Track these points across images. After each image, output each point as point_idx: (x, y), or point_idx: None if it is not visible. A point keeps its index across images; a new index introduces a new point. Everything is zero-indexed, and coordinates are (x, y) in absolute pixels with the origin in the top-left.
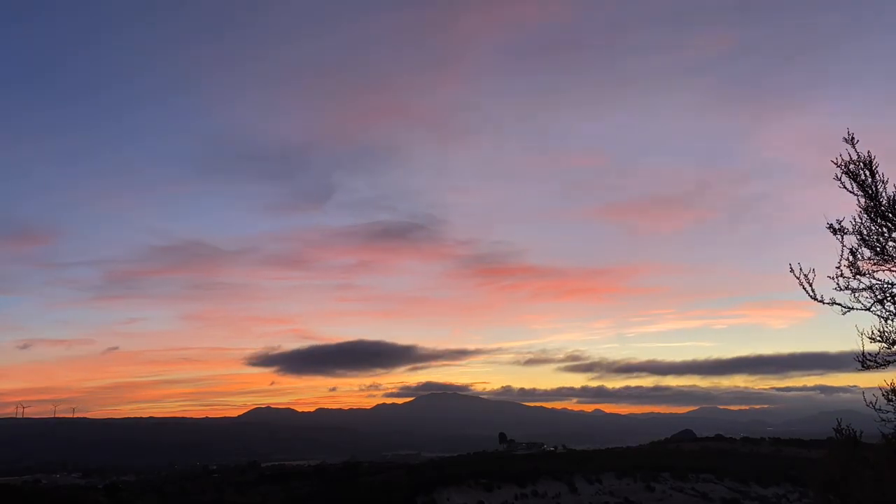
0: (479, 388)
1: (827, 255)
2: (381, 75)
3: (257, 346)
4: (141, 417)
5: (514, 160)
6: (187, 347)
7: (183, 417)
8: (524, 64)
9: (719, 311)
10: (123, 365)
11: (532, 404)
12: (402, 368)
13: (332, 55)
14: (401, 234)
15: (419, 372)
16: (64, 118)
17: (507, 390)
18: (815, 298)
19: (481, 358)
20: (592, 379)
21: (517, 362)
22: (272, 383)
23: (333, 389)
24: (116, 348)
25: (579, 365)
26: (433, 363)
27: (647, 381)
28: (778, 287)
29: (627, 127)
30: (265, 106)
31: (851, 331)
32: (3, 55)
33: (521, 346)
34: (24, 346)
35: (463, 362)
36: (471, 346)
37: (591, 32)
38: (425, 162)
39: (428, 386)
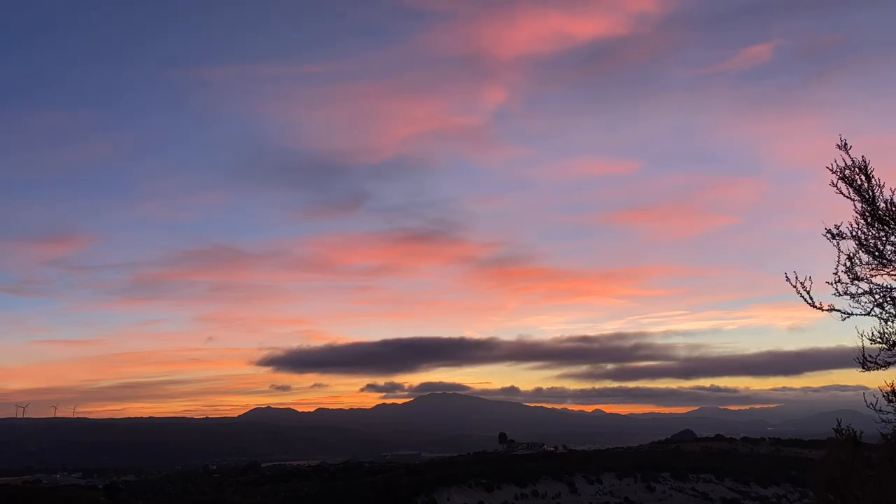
0: (480, 388)
1: (830, 260)
2: (417, 88)
3: (268, 346)
4: (141, 418)
5: (542, 168)
6: (198, 348)
7: (183, 418)
8: (559, 75)
9: (730, 312)
10: (133, 366)
11: (533, 405)
12: (406, 369)
13: (372, 68)
14: (423, 239)
15: (422, 372)
16: (102, 125)
17: (507, 390)
18: (814, 306)
19: (487, 358)
20: (598, 379)
21: (523, 362)
22: (270, 385)
23: (323, 387)
24: (128, 350)
25: (583, 364)
26: (438, 363)
27: (656, 383)
28: (788, 289)
29: (656, 137)
30: (307, 119)
31: (852, 332)
32: (39, 62)
33: (528, 346)
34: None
35: (468, 362)
36: (477, 346)
37: (623, 47)
38: (456, 171)
39: (429, 386)
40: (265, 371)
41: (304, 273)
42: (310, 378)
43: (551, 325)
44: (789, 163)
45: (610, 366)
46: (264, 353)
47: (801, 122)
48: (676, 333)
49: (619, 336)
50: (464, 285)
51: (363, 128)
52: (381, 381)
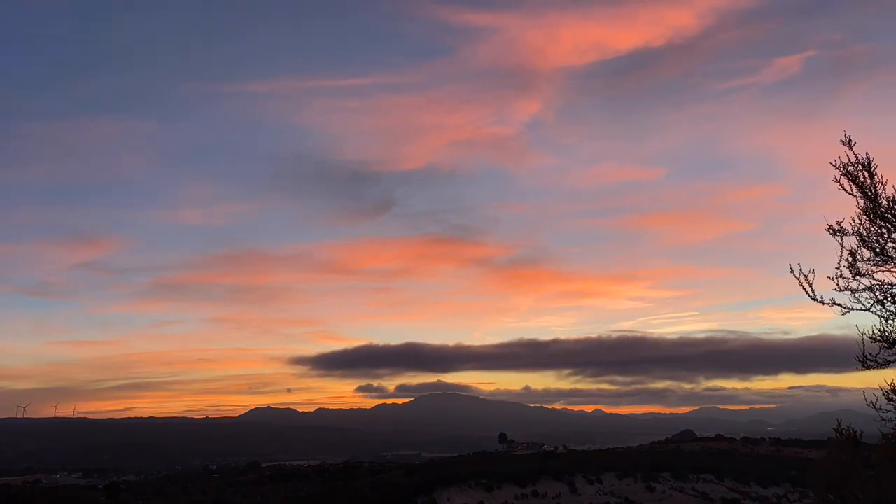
0: (480, 388)
1: (835, 258)
2: (454, 99)
3: (277, 346)
4: (141, 417)
5: (567, 175)
6: (209, 349)
7: (184, 417)
8: (593, 86)
9: (740, 313)
10: (142, 366)
11: (533, 405)
12: (409, 370)
13: (412, 81)
14: (442, 243)
15: (425, 373)
16: (145, 135)
17: (507, 391)
18: (815, 299)
19: (491, 359)
20: (599, 379)
21: (527, 362)
22: (276, 386)
23: (325, 388)
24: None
25: (585, 365)
26: (444, 364)
27: (657, 383)
28: (796, 290)
29: (683, 146)
30: (345, 130)
31: (852, 331)
32: (84, 72)
33: (533, 347)
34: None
35: (473, 363)
36: (486, 347)
37: (658, 58)
38: (483, 179)
39: (429, 386)
40: (271, 371)
41: (321, 275)
42: (312, 378)
43: (560, 326)
44: (808, 170)
45: (612, 366)
46: (273, 354)
47: (823, 130)
48: (684, 334)
49: (624, 336)
50: (477, 287)
51: (398, 138)
52: (384, 381)
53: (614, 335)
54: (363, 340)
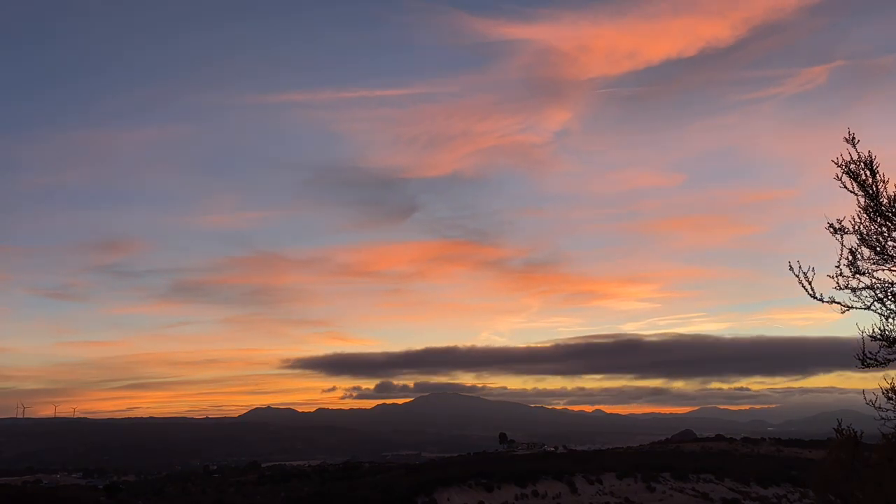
0: (480, 388)
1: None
2: (485, 109)
3: (284, 347)
4: (141, 417)
5: (588, 182)
6: (216, 349)
7: (184, 417)
8: (623, 96)
9: (746, 314)
10: (146, 367)
11: (534, 405)
12: (412, 370)
13: (446, 91)
14: (457, 247)
15: (426, 373)
16: (176, 142)
17: (508, 390)
18: (814, 297)
19: (497, 359)
20: (601, 380)
21: (533, 362)
22: (278, 386)
23: (332, 390)
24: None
25: (588, 365)
26: (447, 364)
27: (656, 382)
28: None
29: (704, 154)
30: (374, 139)
31: (852, 330)
32: (118, 80)
33: (541, 347)
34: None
35: (477, 364)
36: (489, 348)
37: (688, 69)
38: (506, 186)
39: (429, 386)
40: (275, 371)
41: (335, 277)
42: (314, 378)
43: (567, 327)
44: (826, 176)
45: (613, 366)
46: (278, 354)
47: (842, 139)
48: (690, 335)
49: (628, 337)
50: (488, 289)
51: (425, 145)
52: (385, 381)
53: (619, 336)
54: (370, 341)
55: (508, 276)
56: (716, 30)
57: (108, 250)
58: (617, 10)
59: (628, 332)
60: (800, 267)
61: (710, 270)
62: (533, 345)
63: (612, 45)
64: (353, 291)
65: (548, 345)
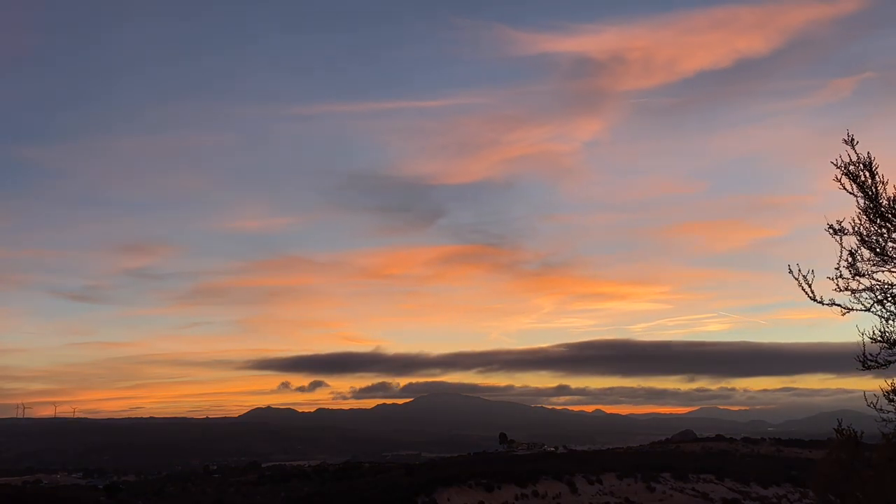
0: (480, 387)
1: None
2: (520, 119)
3: (291, 347)
4: (142, 418)
5: (613, 189)
6: (226, 349)
7: (184, 417)
8: (654, 106)
9: (756, 315)
10: (155, 367)
11: (534, 405)
12: (415, 370)
13: (483, 104)
14: (477, 251)
15: (428, 373)
16: (209, 151)
17: (508, 390)
18: (814, 299)
19: (500, 360)
20: (601, 379)
21: (532, 363)
22: (279, 386)
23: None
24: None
25: (590, 366)
26: (450, 365)
27: (656, 383)
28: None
29: (727, 163)
30: (406, 148)
31: (853, 331)
32: (151, 90)
33: (544, 348)
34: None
35: (481, 364)
36: (493, 349)
37: (720, 80)
38: (531, 193)
39: (430, 386)
40: (278, 372)
41: (351, 279)
42: (316, 378)
43: (576, 328)
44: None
45: (615, 367)
46: (285, 354)
47: (864, 147)
48: (695, 336)
49: (632, 338)
50: (500, 292)
51: (455, 154)
52: (386, 382)
53: (623, 337)
54: (378, 342)
55: (522, 279)
56: (752, 42)
57: (136, 254)
58: (655, 22)
59: (635, 334)
60: (799, 270)
61: (722, 273)
62: (538, 346)
63: (648, 57)
64: (366, 293)
65: (552, 346)
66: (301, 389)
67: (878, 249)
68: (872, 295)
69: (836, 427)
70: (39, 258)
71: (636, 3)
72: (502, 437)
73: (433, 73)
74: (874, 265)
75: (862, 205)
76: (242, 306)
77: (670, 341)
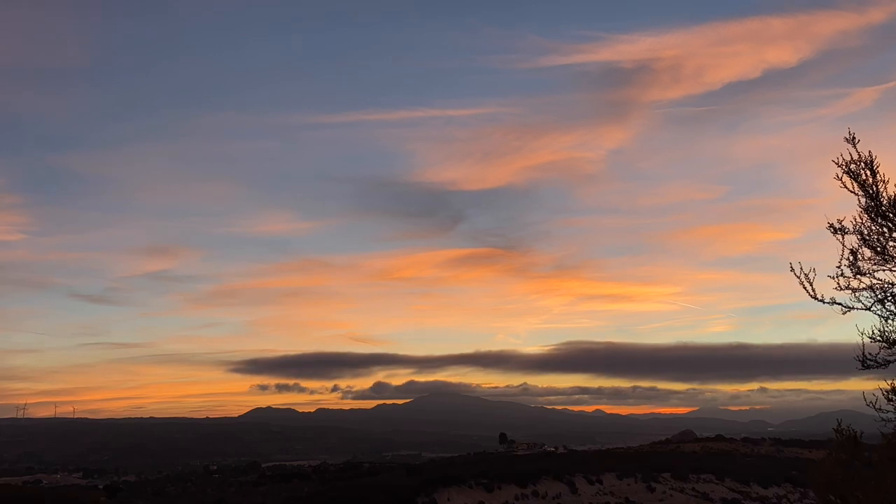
0: (480, 387)
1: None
2: (546, 128)
3: (299, 347)
4: (142, 418)
5: (633, 196)
6: (234, 350)
7: (184, 417)
8: (680, 116)
9: (763, 317)
10: (162, 367)
11: (534, 405)
12: (417, 370)
13: (510, 113)
14: (491, 254)
15: (429, 374)
16: (235, 160)
17: (508, 390)
18: (815, 297)
19: (503, 360)
20: (603, 380)
21: (537, 363)
22: (277, 385)
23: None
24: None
25: (591, 366)
26: (453, 365)
27: (656, 383)
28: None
29: (747, 170)
30: (432, 156)
31: (853, 331)
32: (188, 101)
33: (547, 349)
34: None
35: (483, 365)
36: (496, 350)
37: (746, 91)
38: (552, 199)
39: (430, 386)
40: (281, 372)
41: (365, 280)
42: (318, 378)
43: (583, 329)
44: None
45: (615, 367)
46: (291, 354)
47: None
48: (700, 338)
49: (635, 339)
50: (510, 293)
51: (480, 161)
52: (388, 381)
53: (628, 338)
54: (385, 343)
55: (533, 282)
56: (781, 53)
57: (159, 258)
58: (687, 32)
59: (640, 335)
60: (801, 268)
61: (730, 275)
62: (542, 346)
63: (677, 67)
64: (379, 294)
65: (555, 346)
66: (301, 390)
67: (878, 248)
68: (873, 294)
69: (835, 427)
70: (63, 261)
71: (668, 13)
72: (502, 437)
73: (463, 82)
74: (875, 264)
75: (863, 204)
76: (255, 307)
77: (675, 343)
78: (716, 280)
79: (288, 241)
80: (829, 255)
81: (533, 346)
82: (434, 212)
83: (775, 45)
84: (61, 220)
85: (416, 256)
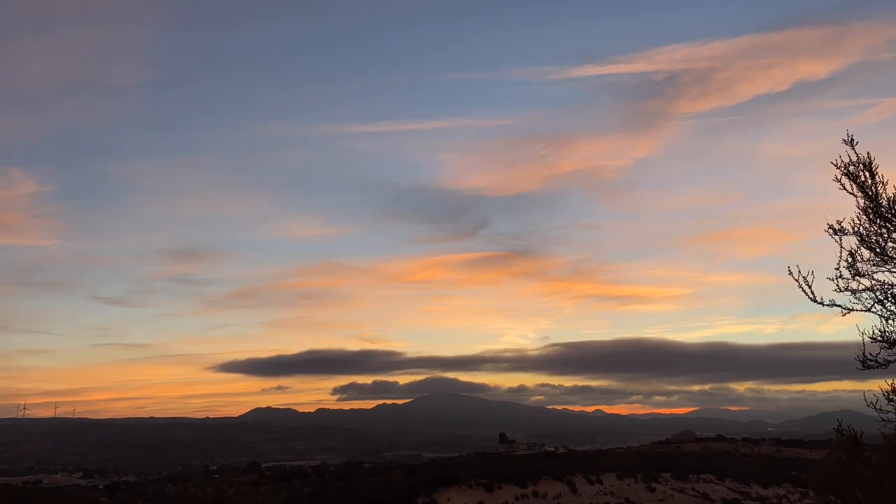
0: (481, 387)
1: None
2: (576, 138)
3: (307, 347)
4: (142, 418)
5: (652, 202)
6: (242, 350)
7: (184, 417)
8: (706, 127)
9: (769, 318)
10: (170, 367)
11: (534, 405)
12: (419, 370)
13: (541, 123)
14: (507, 257)
15: (430, 373)
16: (264, 171)
17: (508, 390)
18: (814, 300)
19: (507, 361)
20: (601, 380)
21: (538, 364)
22: (277, 386)
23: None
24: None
25: (592, 366)
26: (455, 366)
27: (657, 383)
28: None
29: (762, 177)
30: (458, 164)
31: (853, 331)
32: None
33: (548, 350)
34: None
35: (485, 365)
36: (500, 351)
37: (773, 104)
38: (574, 205)
39: (429, 386)
40: (285, 372)
41: (383, 283)
42: (321, 378)
43: (590, 330)
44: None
45: (617, 368)
46: (297, 354)
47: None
48: (703, 339)
49: (637, 340)
50: (522, 296)
51: (506, 168)
52: (388, 381)
53: (629, 338)
54: (392, 343)
55: (546, 284)
56: (812, 66)
57: (185, 261)
58: (721, 45)
59: (645, 336)
60: (799, 271)
61: (741, 277)
62: (546, 347)
63: (708, 83)
64: (393, 297)
65: (558, 346)
66: (298, 390)
67: (877, 249)
68: (873, 295)
69: (836, 427)
70: (90, 265)
71: (703, 26)
72: (502, 437)
73: (498, 92)
74: (874, 265)
75: (862, 205)
76: (269, 309)
77: (675, 342)
78: (726, 283)
79: (313, 246)
80: (836, 258)
81: (538, 347)
82: (457, 217)
83: (807, 57)
84: (95, 227)
85: (434, 259)
